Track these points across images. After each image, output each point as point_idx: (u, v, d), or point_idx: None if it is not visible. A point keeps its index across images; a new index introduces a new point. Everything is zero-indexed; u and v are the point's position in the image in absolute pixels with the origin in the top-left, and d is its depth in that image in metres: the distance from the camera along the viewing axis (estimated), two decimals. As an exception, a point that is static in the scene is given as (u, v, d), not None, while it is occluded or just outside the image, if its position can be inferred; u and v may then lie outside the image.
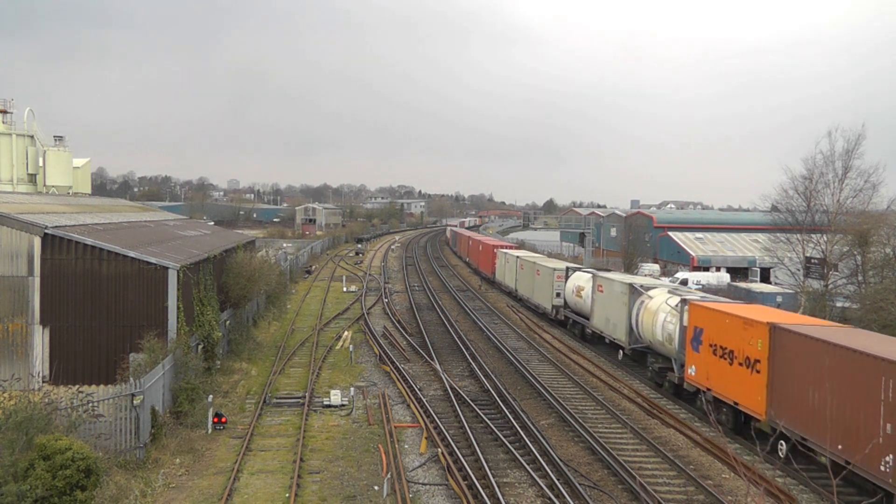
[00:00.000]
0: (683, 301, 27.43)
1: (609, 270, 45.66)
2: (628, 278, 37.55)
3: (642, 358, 32.83)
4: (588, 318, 39.33)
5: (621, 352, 34.40)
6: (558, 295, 45.35)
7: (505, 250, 66.02)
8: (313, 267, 79.51)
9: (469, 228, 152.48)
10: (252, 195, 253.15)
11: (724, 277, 64.01)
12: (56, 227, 24.28)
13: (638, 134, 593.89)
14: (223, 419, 24.17)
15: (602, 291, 36.89)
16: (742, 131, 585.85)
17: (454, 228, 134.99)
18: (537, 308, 50.21)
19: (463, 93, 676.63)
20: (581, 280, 41.51)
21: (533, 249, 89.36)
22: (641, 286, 33.09)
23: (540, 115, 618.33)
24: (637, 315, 31.89)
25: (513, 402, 26.78)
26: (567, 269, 45.70)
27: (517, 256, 58.36)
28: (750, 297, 47.51)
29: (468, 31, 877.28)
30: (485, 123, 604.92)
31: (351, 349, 35.64)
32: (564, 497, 18.20)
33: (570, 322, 43.44)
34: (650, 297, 31.33)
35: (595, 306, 37.97)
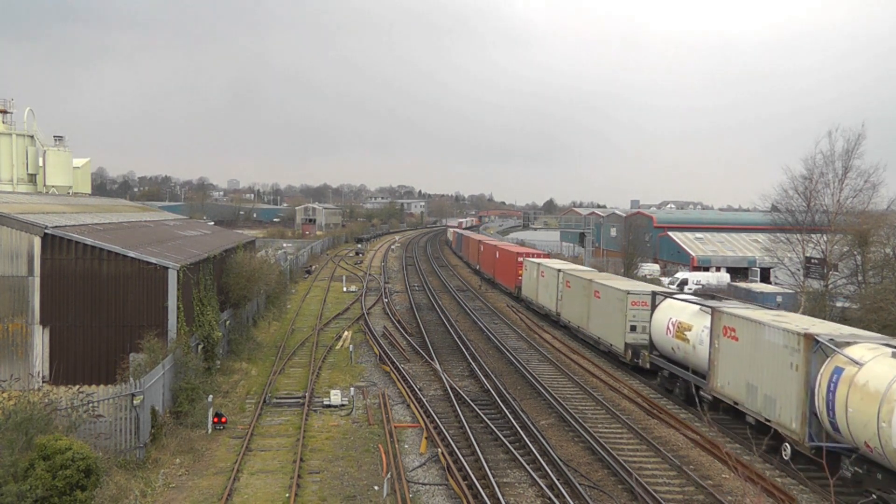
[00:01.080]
0: None
1: (749, 307, 27.93)
2: (796, 320, 23.13)
3: (835, 461, 19.13)
4: (703, 377, 26.21)
5: (788, 448, 20.90)
6: (633, 328, 32.99)
7: (536, 260, 53.55)
8: (313, 267, 79.53)
9: (467, 229, 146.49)
10: (252, 195, 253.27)
11: (724, 277, 64.07)
12: (56, 227, 24.28)
13: (638, 131, 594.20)
14: (223, 419, 24.17)
15: (735, 338, 23.92)
16: (740, 124, 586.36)
17: (458, 230, 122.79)
18: (597, 343, 37.42)
19: (462, 93, 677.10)
20: (683, 313, 28.65)
21: (534, 249, 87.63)
22: (831, 340, 19.67)
23: (540, 114, 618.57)
24: (832, 393, 18.84)
25: (513, 402, 26.78)
26: (654, 294, 32.47)
27: (559, 270, 45.47)
28: (750, 297, 47.58)
29: (471, 29, 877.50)
30: (484, 123, 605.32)
31: (351, 349, 35.64)
32: (564, 497, 18.20)
33: (666, 374, 29.80)
34: (858, 364, 18.29)
35: (720, 359, 24.82)
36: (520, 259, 57.25)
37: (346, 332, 41.02)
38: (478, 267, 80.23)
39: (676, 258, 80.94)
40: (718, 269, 71.73)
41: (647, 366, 31.57)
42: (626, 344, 33.37)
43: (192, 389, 23.61)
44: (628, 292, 33.65)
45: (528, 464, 20.67)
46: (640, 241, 78.35)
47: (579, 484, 19.12)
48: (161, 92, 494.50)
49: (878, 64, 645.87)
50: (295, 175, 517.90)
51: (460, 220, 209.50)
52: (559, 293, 44.72)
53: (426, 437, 23.12)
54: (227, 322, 33.37)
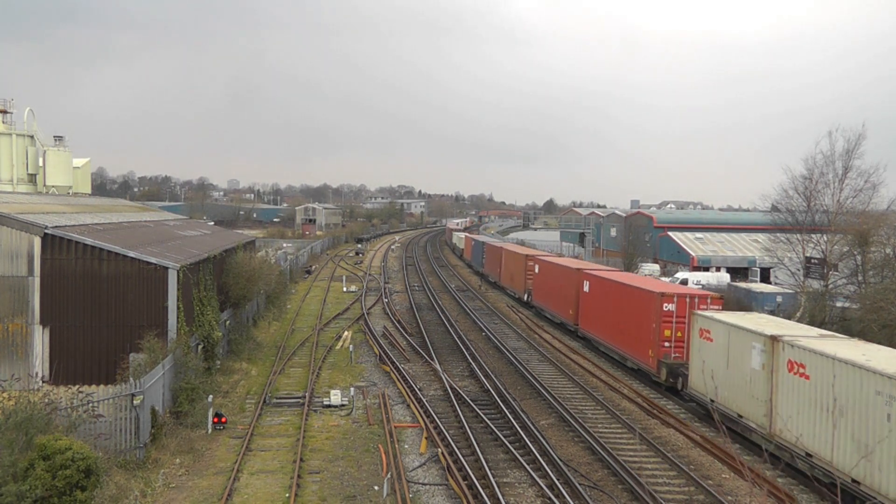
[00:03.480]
0: None
1: None
2: None
3: None
4: None
5: None
6: None
7: (748, 328, 22.38)
8: (313, 267, 79.51)
9: (464, 230, 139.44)
10: (252, 195, 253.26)
11: (724, 277, 63.98)
12: (56, 227, 24.27)
13: (638, 131, 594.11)
14: (223, 419, 24.17)
15: None
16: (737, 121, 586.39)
17: (474, 237, 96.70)
18: None
19: (462, 93, 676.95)
20: None
21: (533, 249, 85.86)
22: None
23: (540, 114, 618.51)
24: None
25: (513, 402, 26.77)
26: None
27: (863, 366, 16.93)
28: (750, 297, 47.54)
29: (471, 29, 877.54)
30: (484, 123, 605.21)
31: (351, 349, 35.64)
32: (564, 497, 18.20)
33: None
34: None
35: None
36: (667, 306, 28.07)
37: (346, 332, 41.01)
38: (525, 297, 52.90)
39: (676, 258, 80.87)
40: (718, 269, 71.65)
41: None
42: None
43: (192, 389, 23.60)
44: None
45: (528, 464, 20.66)
46: (640, 241, 78.32)
47: (579, 484, 19.11)
48: (161, 92, 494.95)
49: (878, 64, 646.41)
50: (295, 175, 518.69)
51: (457, 220, 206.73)
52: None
53: (426, 437, 23.11)
54: (227, 322, 33.36)
